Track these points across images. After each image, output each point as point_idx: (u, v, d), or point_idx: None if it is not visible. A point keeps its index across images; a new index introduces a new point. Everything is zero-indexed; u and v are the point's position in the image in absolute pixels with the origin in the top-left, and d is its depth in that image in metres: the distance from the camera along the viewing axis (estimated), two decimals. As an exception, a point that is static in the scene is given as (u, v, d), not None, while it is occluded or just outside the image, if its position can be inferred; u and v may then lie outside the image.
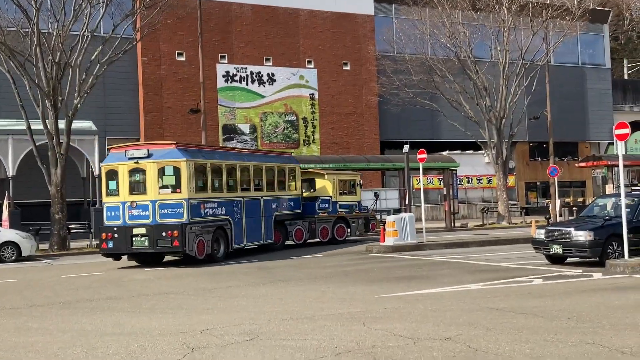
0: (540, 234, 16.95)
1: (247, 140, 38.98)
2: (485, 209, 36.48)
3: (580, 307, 10.73)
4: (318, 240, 25.21)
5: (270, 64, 39.89)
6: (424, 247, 22.04)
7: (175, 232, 18.51)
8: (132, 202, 19.14)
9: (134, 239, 18.94)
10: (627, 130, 15.43)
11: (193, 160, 19.36)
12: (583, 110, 49.20)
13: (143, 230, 18.84)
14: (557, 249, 16.31)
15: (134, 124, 36.59)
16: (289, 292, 13.65)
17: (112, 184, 19.62)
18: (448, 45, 35.69)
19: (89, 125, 31.79)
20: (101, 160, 25.73)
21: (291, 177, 24.44)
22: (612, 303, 11.11)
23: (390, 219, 22.20)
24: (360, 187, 27.83)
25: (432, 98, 37.24)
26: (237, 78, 38.99)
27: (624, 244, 15.16)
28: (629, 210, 16.30)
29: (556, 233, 16.50)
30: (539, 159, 47.80)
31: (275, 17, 39.77)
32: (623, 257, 15.24)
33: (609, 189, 38.84)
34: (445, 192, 33.17)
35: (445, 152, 41.32)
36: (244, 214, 21.38)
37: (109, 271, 18.54)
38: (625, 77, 63.99)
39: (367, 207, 26.96)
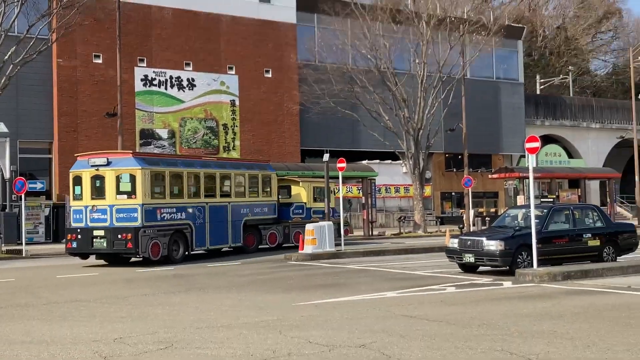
0: (454, 243, 17.32)
1: (165, 146, 38.40)
2: (402, 217, 37.12)
3: (490, 315, 11.05)
4: (292, 244, 25.91)
5: (191, 69, 39.46)
6: (342, 255, 22.23)
7: (129, 235, 19.95)
8: (93, 206, 20.70)
9: (94, 240, 20.45)
10: (537, 144, 16.01)
11: (149, 168, 20.68)
12: (497, 123, 50.58)
13: (102, 233, 20.38)
14: (469, 258, 16.73)
15: (47, 127, 35.52)
16: (206, 299, 13.56)
17: (77, 189, 21.18)
18: (369, 56, 36.23)
19: (1, 127, 30.76)
20: (12, 163, 25.55)
21: (266, 184, 25.56)
22: (521, 311, 11.49)
23: (309, 227, 22.31)
24: (334, 194, 28.90)
25: (353, 108, 37.65)
26: (155, 82, 38.40)
27: (533, 254, 15.67)
28: (538, 221, 16.84)
29: (469, 242, 16.90)
30: (454, 170, 48.89)
31: (196, 22, 39.39)
32: (532, 266, 15.72)
33: (520, 200, 40.05)
34: (364, 201, 33.56)
35: (365, 162, 41.78)
36: (208, 219, 22.54)
37: (18, 279, 18.02)
38: (538, 92, 66.16)
39: (339, 212, 27.64)
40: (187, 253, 21.76)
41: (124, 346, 8.96)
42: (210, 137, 39.90)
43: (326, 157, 25.53)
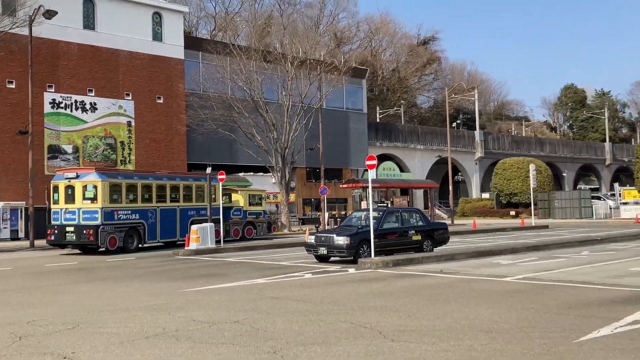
0: (311, 239, 17.71)
1: (69, 159, 36.77)
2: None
3: (338, 295, 11.52)
4: (231, 238, 28.16)
5: (93, 94, 38.08)
6: (222, 250, 22.16)
7: (91, 230, 22.33)
8: (66, 209, 23.10)
9: (66, 234, 22.91)
10: (374, 162, 16.81)
11: (108, 180, 22.98)
12: (347, 144, 52.00)
13: (72, 229, 22.80)
14: (323, 251, 17.21)
15: (-37, 142, 33.18)
16: (108, 288, 13.27)
17: (56, 196, 23.60)
18: (244, 88, 36.30)
19: None
20: None
21: (211, 192, 26.67)
22: (361, 291, 12.03)
23: (193, 227, 22.11)
24: (265, 200, 31.19)
25: (231, 129, 37.60)
26: (62, 105, 36.77)
27: (371, 247, 16.39)
28: (375, 221, 17.63)
29: (323, 238, 17.37)
30: (314, 181, 49.72)
31: (98, 55, 38.13)
32: (370, 256, 16.46)
33: (364, 205, 41.36)
34: (240, 206, 33.48)
35: (241, 174, 41.72)
36: (159, 219, 24.43)
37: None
38: (378, 120, 68.58)
39: (269, 215, 30.26)
40: (140, 245, 23.87)
41: (36, 327, 8.71)
42: (109, 152, 38.63)
43: (209, 169, 25.42)
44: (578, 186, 79.84)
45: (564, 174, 70.95)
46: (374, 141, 55.99)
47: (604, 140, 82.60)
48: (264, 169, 41.46)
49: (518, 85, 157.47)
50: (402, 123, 68.26)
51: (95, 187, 22.65)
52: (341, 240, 16.82)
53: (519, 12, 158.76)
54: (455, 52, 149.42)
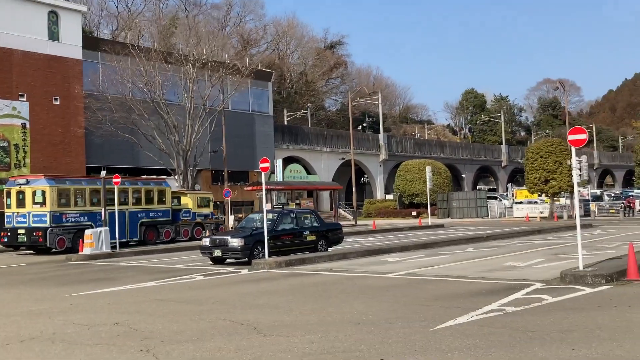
0: (206, 242, 17.81)
1: (-43, 163, 35.03)
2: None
3: (224, 295, 11.81)
4: (182, 239, 29.18)
5: (-16, 95, 36.39)
6: (117, 255, 21.76)
7: (40, 232, 23.63)
8: (18, 212, 24.49)
9: (18, 236, 24.25)
10: (267, 164, 17.17)
11: (57, 186, 24.26)
12: (252, 147, 52.20)
13: (23, 231, 24.14)
14: (217, 253, 17.38)
15: None
16: (-12, 296, 12.92)
17: (9, 200, 24.92)
18: (145, 89, 35.78)
19: None
20: None
21: (162, 195, 28.41)
22: (248, 290, 12.37)
23: (87, 232, 21.65)
24: (212, 203, 32.72)
25: (132, 132, 36.94)
26: (-51, 106, 34.92)
27: (265, 248, 16.75)
28: (270, 222, 18.04)
29: (217, 240, 17.55)
30: (219, 183, 49.45)
31: (-12, 54, 36.49)
32: (264, 257, 16.82)
33: (268, 207, 41.63)
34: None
35: (143, 177, 40.93)
36: (107, 222, 24.07)
37: None
38: (285, 122, 69.12)
39: (217, 216, 32.19)
40: None
41: None
42: (2, 156, 36.96)
43: (103, 173, 25.17)
44: (478, 186, 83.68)
45: (463, 175, 74.22)
46: (281, 144, 56.46)
47: (502, 143, 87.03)
48: (167, 172, 40.93)
49: (422, 90, 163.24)
50: (309, 126, 69.14)
51: (43, 192, 24.05)
52: (235, 242, 17.07)
53: (422, 19, 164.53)
54: (361, 56, 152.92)
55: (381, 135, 67.13)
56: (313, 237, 18.95)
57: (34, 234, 23.60)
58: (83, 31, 51.16)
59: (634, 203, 42.30)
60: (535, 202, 51.59)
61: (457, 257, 17.98)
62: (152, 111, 35.73)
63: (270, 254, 17.09)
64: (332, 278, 13.90)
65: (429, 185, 39.51)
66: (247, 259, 17.18)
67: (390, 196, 63.06)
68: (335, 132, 63.99)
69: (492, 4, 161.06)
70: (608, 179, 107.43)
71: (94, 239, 21.26)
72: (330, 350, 7.11)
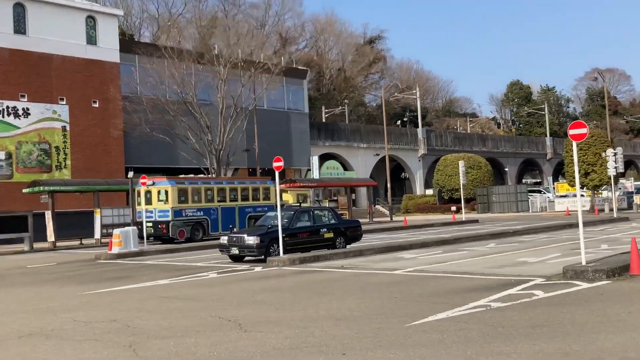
0: (224, 240, 18.22)
1: (2, 166, 36.63)
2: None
3: (227, 292, 12.17)
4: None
5: (26, 99, 37.91)
6: (145, 253, 22.43)
7: (163, 225, 27.78)
8: (146, 208, 27.36)
9: (146, 228, 26.44)
10: (281, 163, 17.49)
11: (177, 186, 28.28)
12: (289, 144, 52.69)
13: (150, 224, 27.86)
14: (235, 251, 17.78)
15: None
16: (11, 293, 13.65)
17: (139, 199, 27.50)
18: (179, 91, 36.64)
19: None
20: None
21: (267, 192, 31.88)
22: (253, 288, 12.68)
23: (116, 231, 22.42)
24: (309, 199, 36.36)
25: (167, 133, 37.90)
26: (-6, 111, 36.65)
27: (280, 245, 17.08)
28: (287, 220, 18.38)
29: (234, 238, 17.95)
30: (256, 181, 50.24)
31: (29, 60, 37.96)
32: (279, 254, 17.15)
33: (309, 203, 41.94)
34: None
35: (181, 176, 41.80)
36: (220, 215, 29.13)
37: None
38: (324, 119, 69.43)
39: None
40: (204, 236, 28.39)
41: None
42: (44, 158, 38.49)
43: (130, 174, 25.95)
44: (523, 180, 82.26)
45: (506, 169, 73.10)
46: (317, 140, 56.80)
47: (547, 135, 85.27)
48: (201, 172, 41.70)
49: (466, 83, 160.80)
50: (347, 122, 69.28)
51: (166, 191, 27.87)
52: (251, 240, 17.44)
53: (463, 12, 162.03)
54: (402, 51, 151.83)
55: (420, 130, 66.76)
56: (330, 235, 19.19)
57: (159, 226, 27.52)
58: (123, 34, 52.76)
59: (679, 195, 40.97)
60: (582, 196, 50.51)
61: (474, 253, 17.95)
62: (186, 112, 36.58)
63: (287, 252, 17.41)
64: (340, 275, 14.13)
65: (462, 180, 39.21)
66: (263, 257, 17.51)
67: (430, 191, 62.67)
68: (372, 128, 63.97)
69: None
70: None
71: (122, 238, 21.99)
72: (300, 345, 7.37)
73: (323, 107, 71.76)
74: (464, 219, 37.19)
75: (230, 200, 29.97)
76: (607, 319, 8.00)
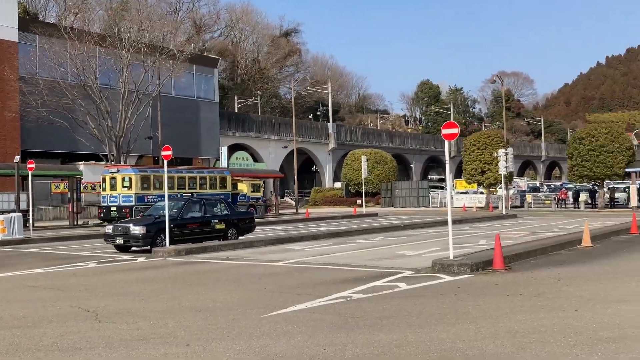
0: (109, 229, 17.74)
1: None
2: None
3: (99, 283, 11.81)
4: None
5: None
6: (30, 241, 21.45)
7: (127, 209, 29.24)
8: (110, 194, 30.30)
9: (111, 212, 29.47)
10: (169, 152, 17.23)
11: (140, 174, 30.38)
12: (197, 133, 51.94)
13: (115, 209, 29.90)
14: (119, 240, 17.30)
15: None
16: None
17: (104, 185, 30.25)
18: (78, 74, 35.25)
19: None
20: None
21: (223, 182, 34.55)
22: (127, 278, 12.39)
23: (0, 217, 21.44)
24: (262, 188, 39.13)
25: (65, 117, 36.39)
26: None
27: (166, 236, 16.78)
28: (176, 210, 18.09)
29: (119, 228, 17.46)
30: (162, 170, 49.22)
31: None
32: (166, 245, 16.85)
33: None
34: (70, 196, 32.61)
35: (81, 162, 40.42)
36: None
37: None
38: (236, 110, 68.80)
39: (265, 199, 38.86)
40: None
41: None
42: None
43: (17, 158, 24.80)
44: (428, 176, 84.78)
45: (412, 165, 75.13)
46: (227, 130, 56.30)
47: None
48: (100, 158, 40.40)
49: (379, 80, 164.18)
50: (259, 113, 69.01)
51: (130, 178, 29.85)
52: (137, 230, 17.04)
53: (378, 9, 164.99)
54: (317, 45, 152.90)
55: (330, 124, 67.45)
56: (222, 226, 19.03)
57: (123, 210, 29.01)
58: (25, 12, 50.15)
59: (565, 195, 43.49)
60: (482, 193, 52.67)
61: (361, 245, 18.34)
62: (85, 96, 35.26)
63: (175, 243, 17.16)
64: (221, 266, 14.06)
65: (364, 174, 39.98)
66: (149, 247, 17.12)
67: (338, 185, 63.53)
68: (283, 120, 64.02)
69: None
70: (556, 171, 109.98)
71: (6, 225, 20.99)
72: (148, 336, 7.28)
73: (236, 97, 71.12)
74: (364, 213, 37.92)
75: (189, 188, 32.12)
76: (453, 310, 8.37)
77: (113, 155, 35.32)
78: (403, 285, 10.49)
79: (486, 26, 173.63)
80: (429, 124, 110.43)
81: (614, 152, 40.32)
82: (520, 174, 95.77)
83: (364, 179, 40.66)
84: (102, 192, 31.10)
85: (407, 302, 8.99)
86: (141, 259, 15.73)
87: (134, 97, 35.89)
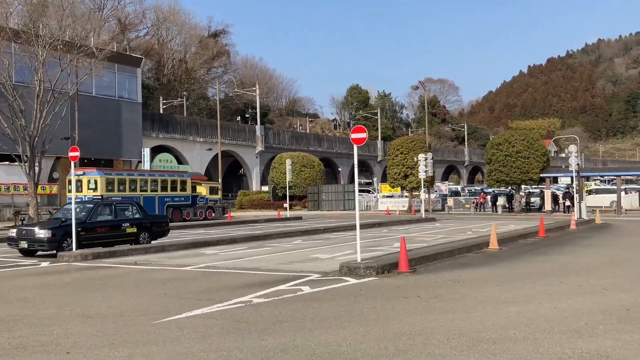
0: (13, 233, 17.09)
1: None
2: (18, 212, 35.15)
3: (-9, 289, 11.32)
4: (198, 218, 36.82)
5: None
6: None
7: None
8: (76, 196, 27.37)
9: None
10: (77, 153, 16.65)
11: (105, 177, 32.17)
12: (118, 134, 50.53)
13: None
14: (24, 244, 16.67)
15: None
16: None
17: (69, 187, 30.58)
18: (-10, 70, 33.54)
19: None
20: None
21: (183, 184, 36.09)
22: (24, 284, 11.93)
23: None
24: (221, 191, 40.69)
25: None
26: None
27: (73, 240, 16.22)
28: (85, 213, 17.54)
29: (24, 231, 16.82)
30: (81, 172, 47.59)
31: None
32: (72, 249, 16.29)
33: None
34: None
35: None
36: (142, 204, 27.26)
37: None
38: (162, 111, 67.45)
39: (222, 201, 40.98)
40: None
41: None
42: None
43: None
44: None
45: (340, 169, 75.79)
46: (150, 132, 55.05)
47: (383, 139, 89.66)
48: (12, 159, 38.67)
49: (309, 84, 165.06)
50: (186, 114, 67.93)
51: (96, 181, 31.63)
52: (42, 234, 16.46)
53: (308, 13, 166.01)
54: (246, 47, 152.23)
55: (258, 127, 67.14)
56: (134, 230, 18.58)
57: None
58: None
59: (484, 199, 44.88)
60: (405, 197, 53.65)
61: (277, 249, 18.29)
62: (-3, 94, 33.61)
63: (84, 247, 16.66)
64: (126, 271, 13.72)
65: (289, 177, 40.02)
66: (55, 251, 16.56)
67: (266, 188, 63.29)
68: (209, 122, 63.21)
69: (376, 3, 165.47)
70: (479, 176, 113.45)
71: None
72: (28, 344, 7.00)
73: (161, 98, 69.76)
74: (288, 216, 37.91)
75: (151, 190, 33.80)
76: (349, 313, 8.44)
77: (27, 155, 33.83)
78: (307, 289, 10.51)
79: (414, 34, 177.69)
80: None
81: (529, 157, 41.92)
82: (445, 178, 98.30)
83: (290, 182, 40.66)
84: (68, 194, 32.14)
85: (305, 306, 9.01)
86: (45, 264, 15.18)
87: (50, 96, 34.50)
